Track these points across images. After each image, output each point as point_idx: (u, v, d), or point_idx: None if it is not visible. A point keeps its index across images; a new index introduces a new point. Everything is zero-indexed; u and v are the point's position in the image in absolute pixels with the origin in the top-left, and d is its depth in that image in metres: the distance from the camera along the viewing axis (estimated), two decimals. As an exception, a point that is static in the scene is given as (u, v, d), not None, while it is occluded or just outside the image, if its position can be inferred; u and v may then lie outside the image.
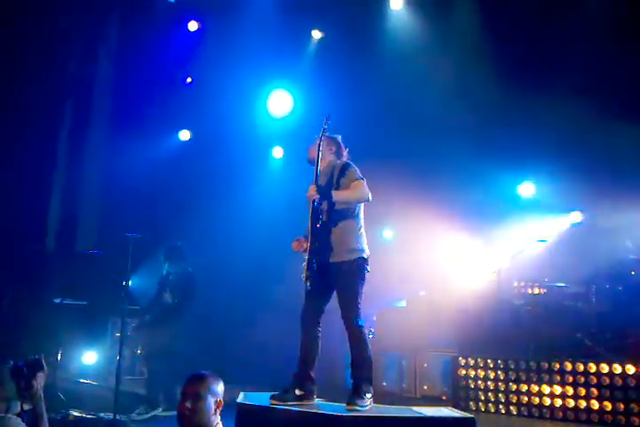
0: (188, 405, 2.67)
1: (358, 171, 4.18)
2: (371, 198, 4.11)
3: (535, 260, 7.49)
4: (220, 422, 2.76)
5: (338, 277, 4.03)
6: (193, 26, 9.84)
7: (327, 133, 4.19)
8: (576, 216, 8.02)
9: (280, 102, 9.69)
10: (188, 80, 9.88)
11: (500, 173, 8.11)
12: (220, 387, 2.78)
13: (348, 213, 4.10)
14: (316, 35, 9.69)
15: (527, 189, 8.64)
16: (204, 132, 9.79)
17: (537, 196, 8.53)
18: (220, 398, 2.77)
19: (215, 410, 2.72)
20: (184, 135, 9.99)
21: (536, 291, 7.21)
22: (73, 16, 8.72)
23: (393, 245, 9.29)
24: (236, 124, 9.31)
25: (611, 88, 7.40)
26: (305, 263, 3.96)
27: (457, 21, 8.73)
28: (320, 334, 4.12)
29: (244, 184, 9.12)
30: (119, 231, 5.81)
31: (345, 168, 4.16)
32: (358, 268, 4.06)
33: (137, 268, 7.63)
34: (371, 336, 8.04)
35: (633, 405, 5.69)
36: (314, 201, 3.98)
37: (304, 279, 3.95)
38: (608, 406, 5.83)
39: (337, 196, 3.98)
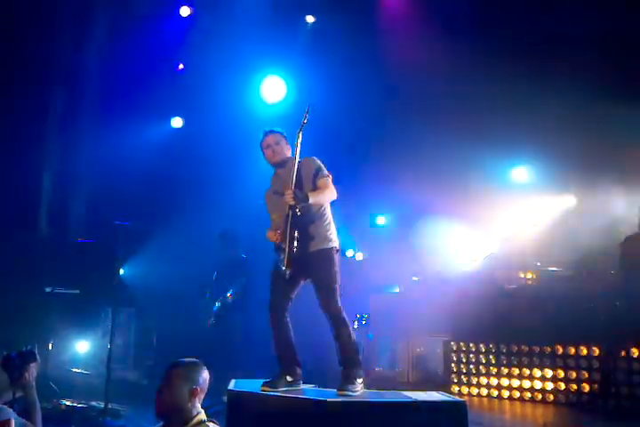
0: (160, 391, 2.67)
1: (324, 166, 4.20)
2: (336, 196, 4.16)
3: (527, 244, 7.49)
4: (203, 412, 2.72)
5: (316, 265, 4.07)
6: (185, 11, 9.70)
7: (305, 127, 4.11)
8: (568, 200, 8.02)
9: (273, 88, 9.59)
10: (180, 66, 9.76)
11: (494, 157, 8.09)
12: (199, 375, 2.73)
13: (318, 207, 4.16)
14: (310, 19, 9.59)
15: (520, 173, 8.62)
16: (196, 120, 9.69)
17: (530, 180, 8.52)
18: (198, 386, 2.71)
19: (190, 398, 2.67)
20: (176, 122, 9.89)
21: (528, 275, 7.22)
22: (61, 2, 8.61)
23: (386, 230, 9.30)
24: (229, 111, 9.22)
25: (605, 71, 7.36)
26: (285, 253, 3.96)
27: (449, 4, 8.63)
28: (289, 321, 4.16)
29: (237, 171, 9.06)
30: (110, 219, 5.78)
31: (315, 166, 4.17)
32: (333, 255, 4.12)
33: (129, 256, 7.63)
34: (364, 322, 8.10)
35: (624, 388, 5.74)
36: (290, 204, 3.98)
37: (284, 267, 3.96)
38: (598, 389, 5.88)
39: (312, 198, 4.00)
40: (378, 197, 8.72)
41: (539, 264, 7.26)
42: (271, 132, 4.35)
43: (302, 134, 4.09)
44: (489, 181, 8.26)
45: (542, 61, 7.74)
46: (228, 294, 6.77)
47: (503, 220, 8.01)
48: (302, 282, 4.18)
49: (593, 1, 7.38)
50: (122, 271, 7.42)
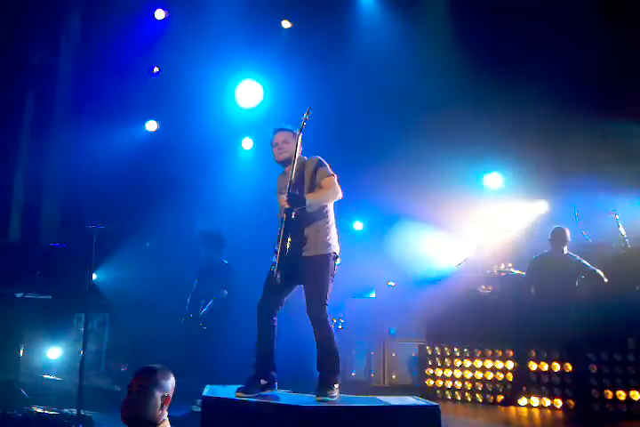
0: (133, 398, 2.63)
1: (329, 167, 4.15)
2: (341, 196, 4.09)
3: (501, 249, 7.58)
4: (167, 420, 2.70)
5: (308, 271, 4.02)
6: (160, 14, 9.64)
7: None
8: (541, 206, 8.13)
9: (250, 93, 9.58)
10: (155, 70, 9.69)
11: (467, 163, 8.18)
12: (169, 382, 2.72)
13: (320, 210, 4.09)
14: (286, 24, 9.63)
15: (493, 179, 8.72)
16: (171, 123, 9.62)
17: (503, 186, 8.64)
18: (169, 393, 2.70)
19: (162, 406, 2.66)
20: (151, 126, 9.81)
21: (502, 280, 7.29)
22: (34, 3, 8.49)
23: (363, 236, 9.34)
24: (204, 115, 9.18)
25: (574, 81, 7.51)
26: (277, 256, 3.93)
27: (426, 12, 8.75)
28: (276, 325, 4.12)
29: (212, 176, 9.02)
30: (83, 223, 5.70)
31: (319, 166, 4.12)
32: (329, 262, 4.07)
33: (103, 260, 7.54)
34: (341, 327, 8.13)
35: (593, 391, 5.84)
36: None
37: (274, 272, 3.92)
38: (570, 392, 5.97)
39: (310, 199, 3.94)
40: (355, 202, 8.75)
41: (512, 269, 7.35)
42: (280, 129, 4.27)
43: (302, 136, 4.07)
44: (463, 186, 8.36)
45: (514, 70, 7.85)
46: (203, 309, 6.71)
47: (477, 225, 8.10)
48: (296, 286, 4.13)
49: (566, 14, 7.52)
50: (95, 276, 7.33)
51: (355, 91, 8.64)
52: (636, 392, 5.60)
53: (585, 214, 7.20)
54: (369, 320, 7.82)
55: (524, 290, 6.40)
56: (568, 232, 6.23)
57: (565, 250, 6.18)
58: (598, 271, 6.13)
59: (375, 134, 8.47)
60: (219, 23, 9.05)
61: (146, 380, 2.66)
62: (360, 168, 8.22)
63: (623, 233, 6.64)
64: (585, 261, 6.16)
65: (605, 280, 6.10)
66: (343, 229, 9.19)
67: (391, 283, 8.38)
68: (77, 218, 7.27)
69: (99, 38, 9.09)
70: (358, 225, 9.60)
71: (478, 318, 6.70)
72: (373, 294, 8.41)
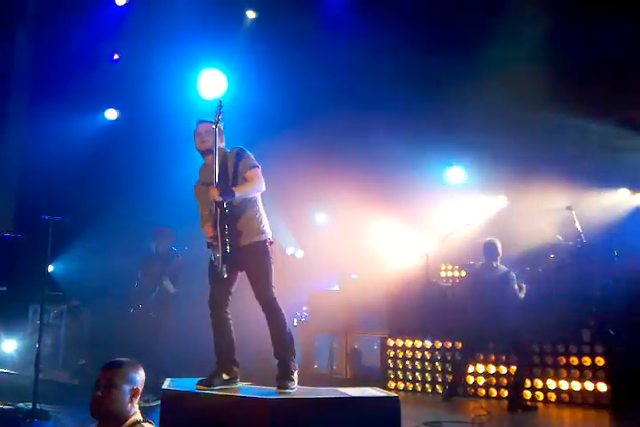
0: (100, 393, 2.58)
1: (253, 157, 4.21)
2: (265, 188, 4.16)
3: (462, 243, 7.68)
4: (139, 412, 2.67)
5: (249, 259, 4.08)
6: (121, -1, 9.40)
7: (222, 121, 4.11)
8: (501, 201, 8.27)
9: (213, 83, 9.44)
10: (115, 57, 9.46)
11: (430, 157, 8.25)
12: (138, 376, 2.67)
13: (249, 199, 4.17)
14: (250, 15, 9.53)
15: (456, 173, 8.83)
16: (132, 112, 9.43)
17: (465, 180, 8.75)
18: (138, 386, 2.66)
19: (131, 399, 2.62)
20: (110, 114, 9.59)
21: (462, 273, 7.40)
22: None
23: (325, 228, 9.35)
24: (166, 105, 9.01)
25: (539, 77, 7.62)
26: (219, 250, 3.94)
27: (390, 2, 8.76)
28: (230, 317, 4.15)
29: (172, 165, 8.87)
30: (38, 214, 5.55)
31: (241, 155, 4.17)
32: (267, 248, 4.14)
33: (60, 252, 7.36)
34: (303, 320, 8.14)
35: (551, 380, 5.99)
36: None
37: (220, 266, 3.94)
38: (527, 383, 6.11)
39: (239, 193, 4.01)
40: (317, 195, 8.75)
41: (471, 263, 7.45)
42: (203, 121, 4.30)
43: (218, 129, 4.08)
44: (425, 180, 8.43)
45: (478, 62, 7.93)
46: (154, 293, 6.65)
47: (439, 219, 8.18)
48: (239, 274, 4.16)
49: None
50: (52, 268, 7.16)
51: (317, 82, 8.61)
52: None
53: (542, 210, 7.35)
54: (332, 313, 7.84)
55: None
56: (499, 245, 6.25)
57: (495, 264, 6.24)
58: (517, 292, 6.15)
59: (338, 127, 8.45)
60: (182, 11, 8.90)
61: (114, 374, 2.62)
62: (323, 160, 8.21)
63: (579, 229, 6.80)
64: (513, 276, 6.19)
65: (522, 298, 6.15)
66: (306, 222, 9.29)
67: (354, 275, 8.42)
68: (33, 209, 7.06)
69: (56, 23, 8.83)
70: (321, 217, 9.62)
71: (439, 311, 6.78)
72: (337, 287, 8.43)
